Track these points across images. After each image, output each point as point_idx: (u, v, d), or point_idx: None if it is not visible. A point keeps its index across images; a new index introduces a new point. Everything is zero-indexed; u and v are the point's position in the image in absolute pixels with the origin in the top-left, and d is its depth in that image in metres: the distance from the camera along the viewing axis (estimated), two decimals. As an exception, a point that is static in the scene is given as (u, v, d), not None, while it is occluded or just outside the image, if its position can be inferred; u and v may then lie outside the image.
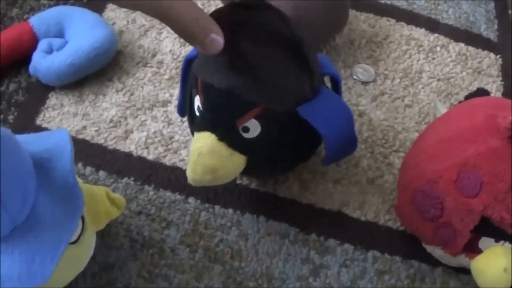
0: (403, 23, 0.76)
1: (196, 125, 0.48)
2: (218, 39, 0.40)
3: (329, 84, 0.54)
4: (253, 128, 0.47)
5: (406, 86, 0.69)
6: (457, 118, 0.50)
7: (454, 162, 0.46)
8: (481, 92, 0.59)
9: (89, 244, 0.47)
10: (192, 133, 0.51)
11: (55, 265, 0.40)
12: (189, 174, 0.47)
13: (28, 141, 0.44)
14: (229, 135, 0.47)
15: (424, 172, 0.48)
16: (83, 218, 0.45)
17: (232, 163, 0.48)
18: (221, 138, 0.47)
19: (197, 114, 0.49)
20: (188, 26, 0.38)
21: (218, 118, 0.47)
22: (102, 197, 0.49)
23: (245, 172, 0.50)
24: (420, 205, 0.49)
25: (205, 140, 0.47)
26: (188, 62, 0.53)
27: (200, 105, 0.48)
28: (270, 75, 0.45)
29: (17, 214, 0.39)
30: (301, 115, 0.47)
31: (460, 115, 0.51)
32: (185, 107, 0.56)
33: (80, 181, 0.48)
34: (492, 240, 0.48)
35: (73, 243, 0.44)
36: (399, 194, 0.52)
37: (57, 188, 0.43)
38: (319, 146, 0.53)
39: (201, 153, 0.46)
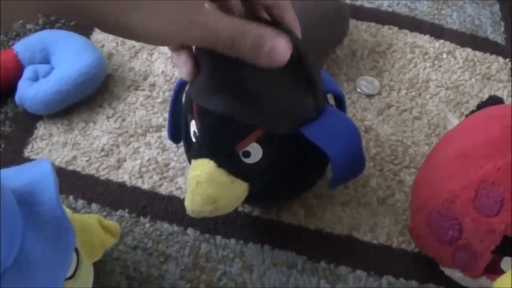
0: (406, 30, 0.74)
1: (193, 151, 0.46)
2: (279, 46, 0.36)
3: (332, 101, 0.50)
4: (255, 152, 0.44)
5: (413, 97, 0.66)
6: (471, 132, 0.48)
7: (471, 180, 0.44)
8: (494, 100, 0.56)
9: (86, 277, 0.45)
10: (189, 161, 0.48)
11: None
12: (187, 204, 0.44)
13: (8, 176, 0.42)
14: (229, 161, 0.44)
15: (440, 192, 0.46)
16: (77, 251, 0.44)
17: (233, 191, 0.45)
18: (220, 164, 0.44)
19: (194, 140, 0.46)
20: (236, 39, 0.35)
21: (216, 144, 0.44)
22: (95, 226, 0.47)
23: (247, 200, 0.48)
24: (436, 227, 0.47)
25: (203, 167, 0.44)
26: (181, 85, 0.50)
27: (196, 131, 0.45)
28: (270, 95, 0.42)
29: (5, 259, 0.36)
30: (306, 135, 0.44)
31: (474, 128, 0.48)
32: (175, 132, 0.53)
33: (69, 211, 0.47)
34: (515, 259, 0.45)
35: (70, 278, 0.42)
36: (413, 215, 0.50)
37: (45, 223, 0.40)
38: (325, 169, 0.50)
39: (200, 182, 0.43)
